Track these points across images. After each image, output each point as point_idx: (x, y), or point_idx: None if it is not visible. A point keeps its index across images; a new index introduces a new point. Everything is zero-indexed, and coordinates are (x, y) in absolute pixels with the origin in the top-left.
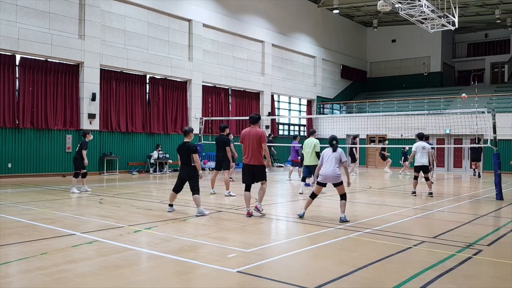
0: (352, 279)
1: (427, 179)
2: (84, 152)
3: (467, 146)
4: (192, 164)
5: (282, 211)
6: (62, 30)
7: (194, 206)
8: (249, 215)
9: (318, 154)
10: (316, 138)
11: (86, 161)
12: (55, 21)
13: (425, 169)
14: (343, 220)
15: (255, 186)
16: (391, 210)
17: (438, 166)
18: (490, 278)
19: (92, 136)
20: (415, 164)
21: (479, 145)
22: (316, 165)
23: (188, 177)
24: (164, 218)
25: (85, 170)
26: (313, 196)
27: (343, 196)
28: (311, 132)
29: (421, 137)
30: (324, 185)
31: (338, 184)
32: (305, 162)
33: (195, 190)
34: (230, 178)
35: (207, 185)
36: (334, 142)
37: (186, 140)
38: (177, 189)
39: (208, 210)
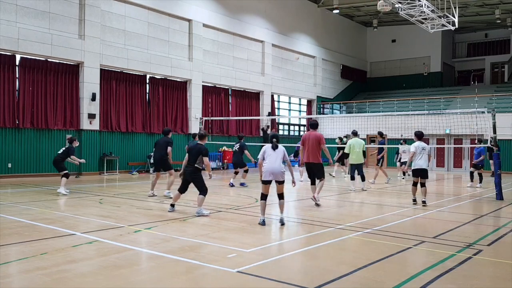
0: (352, 279)
1: (422, 185)
2: (74, 157)
3: (467, 146)
4: (195, 165)
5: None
6: (62, 30)
7: (194, 206)
8: (314, 198)
9: (364, 153)
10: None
11: (82, 160)
12: (55, 21)
13: (425, 173)
14: (283, 223)
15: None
16: (391, 210)
17: (438, 166)
18: (490, 278)
19: (78, 143)
20: (414, 168)
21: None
22: (362, 164)
23: (191, 178)
24: (164, 218)
25: (66, 171)
26: (264, 197)
27: (281, 196)
28: (355, 133)
29: (421, 136)
30: (270, 182)
31: (281, 182)
32: (354, 161)
33: (201, 191)
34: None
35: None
36: (274, 140)
37: (199, 142)
38: (182, 189)
39: (208, 210)
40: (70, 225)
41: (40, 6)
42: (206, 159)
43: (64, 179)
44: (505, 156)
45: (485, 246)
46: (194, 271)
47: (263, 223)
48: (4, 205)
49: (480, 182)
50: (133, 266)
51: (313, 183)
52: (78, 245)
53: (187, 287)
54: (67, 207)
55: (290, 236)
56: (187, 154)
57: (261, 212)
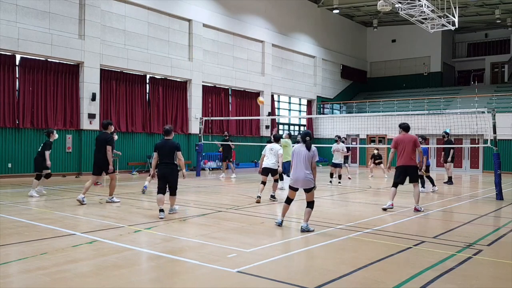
0: (352, 279)
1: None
2: (48, 153)
3: (467, 146)
4: (174, 162)
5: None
6: (62, 30)
7: (194, 206)
8: (416, 210)
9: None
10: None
11: (48, 162)
12: (55, 21)
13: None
14: (304, 230)
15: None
16: (391, 210)
17: (438, 166)
18: (490, 278)
19: (57, 135)
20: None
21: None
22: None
23: (172, 177)
24: (164, 218)
25: (48, 171)
26: (289, 201)
27: (310, 204)
28: (290, 135)
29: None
30: (296, 189)
31: (309, 190)
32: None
33: (174, 191)
34: (98, 183)
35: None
36: (308, 138)
37: (167, 138)
38: (164, 190)
39: (178, 205)
40: (70, 225)
41: (40, 6)
42: (180, 153)
43: (39, 180)
44: (505, 156)
45: (485, 246)
46: (194, 271)
47: (279, 224)
48: (4, 205)
49: (431, 185)
50: (133, 266)
51: (396, 185)
52: (78, 245)
53: (187, 287)
54: (67, 207)
55: (290, 236)
56: (155, 153)
57: (281, 213)
